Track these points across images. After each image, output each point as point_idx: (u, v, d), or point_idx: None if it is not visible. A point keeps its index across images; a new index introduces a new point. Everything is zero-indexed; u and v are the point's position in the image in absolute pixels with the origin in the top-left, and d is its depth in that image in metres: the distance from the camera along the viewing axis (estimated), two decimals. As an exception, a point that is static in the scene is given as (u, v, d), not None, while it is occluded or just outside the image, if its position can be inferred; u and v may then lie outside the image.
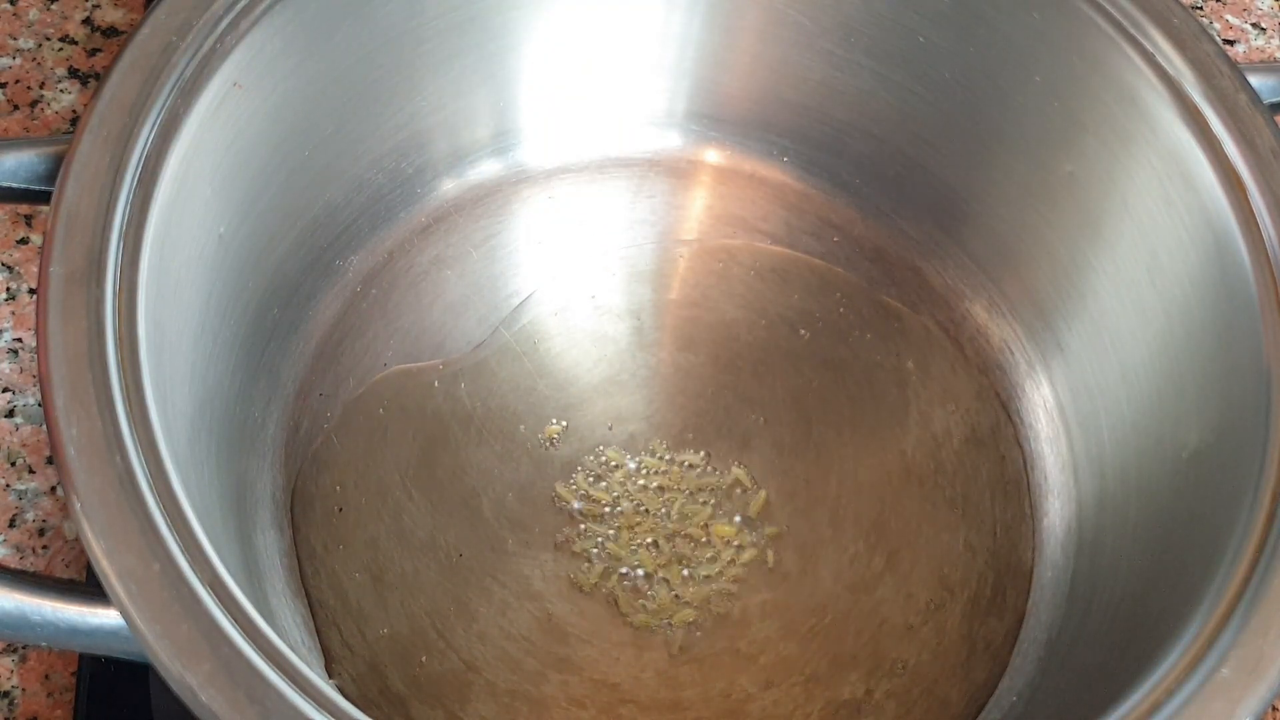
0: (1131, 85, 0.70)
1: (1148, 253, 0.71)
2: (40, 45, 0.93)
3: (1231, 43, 1.03)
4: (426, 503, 0.77)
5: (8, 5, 0.94)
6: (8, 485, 0.79)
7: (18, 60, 0.92)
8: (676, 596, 0.75)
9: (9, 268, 0.85)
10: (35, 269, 0.84)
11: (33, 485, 0.79)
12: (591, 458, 0.79)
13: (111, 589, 0.51)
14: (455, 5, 0.77)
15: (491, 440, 0.79)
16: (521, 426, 0.80)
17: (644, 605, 0.75)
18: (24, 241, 0.86)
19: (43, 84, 0.91)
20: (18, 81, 0.91)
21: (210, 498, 0.68)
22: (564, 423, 0.80)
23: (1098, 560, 0.75)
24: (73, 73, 0.92)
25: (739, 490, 0.79)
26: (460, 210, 0.86)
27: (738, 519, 0.78)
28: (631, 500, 0.78)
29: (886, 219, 0.87)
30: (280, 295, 0.79)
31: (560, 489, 0.78)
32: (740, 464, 0.79)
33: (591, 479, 0.78)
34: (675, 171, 0.89)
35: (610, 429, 0.80)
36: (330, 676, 0.71)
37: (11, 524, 0.77)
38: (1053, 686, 0.72)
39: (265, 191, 0.73)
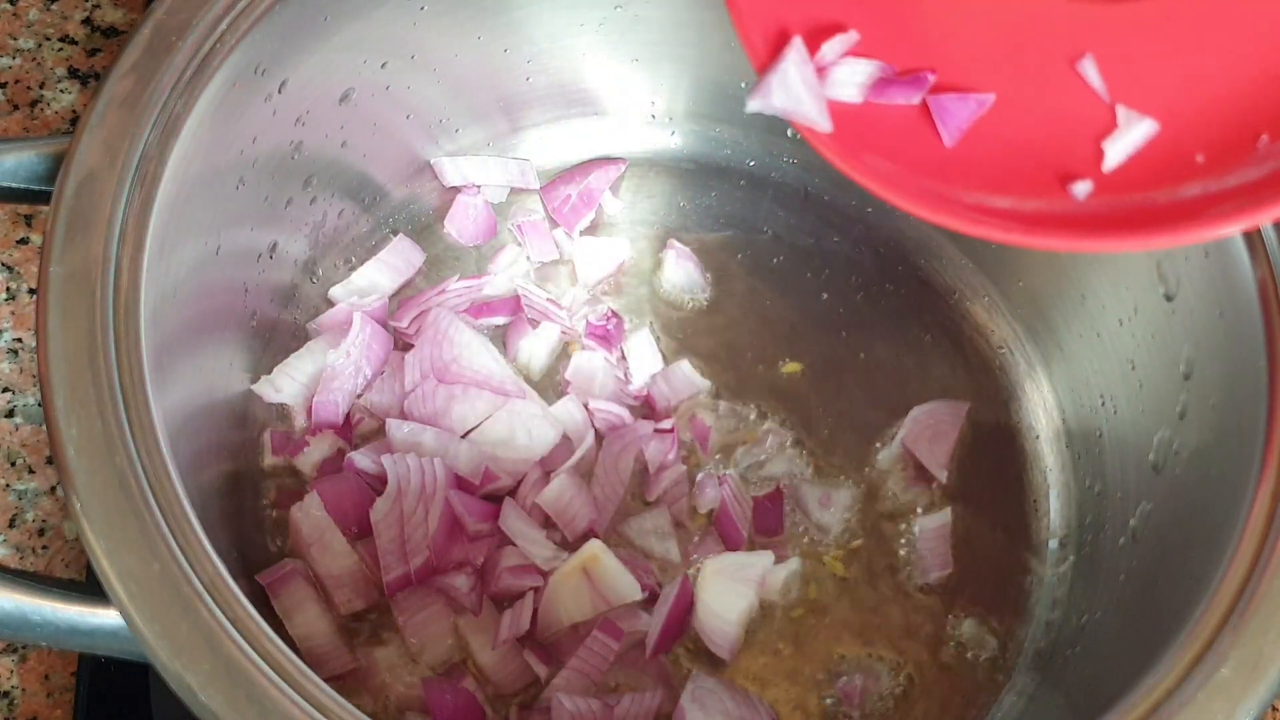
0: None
1: (1148, 253, 0.71)
2: (40, 45, 0.93)
3: (1231, 43, 1.03)
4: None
5: (8, 5, 0.94)
6: (8, 485, 0.79)
7: (18, 60, 0.92)
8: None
9: (9, 268, 0.85)
10: (35, 269, 0.84)
11: (33, 485, 0.79)
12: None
13: (111, 589, 0.52)
14: (456, 5, 0.77)
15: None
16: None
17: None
18: (24, 241, 0.86)
19: (43, 84, 0.91)
20: (18, 81, 0.91)
21: (210, 498, 0.68)
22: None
23: (1097, 561, 0.75)
24: (73, 73, 0.92)
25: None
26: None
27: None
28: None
29: (887, 219, 0.87)
30: (281, 297, 0.79)
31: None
32: (740, 464, 0.80)
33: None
34: (675, 171, 0.89)
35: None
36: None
37: (11, 524, 0.78)
38: (1053, 688, 0.72)
39: (266, 191, 0.73)
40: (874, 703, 0.73)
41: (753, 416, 0.80)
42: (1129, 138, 0.56)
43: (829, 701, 0.73)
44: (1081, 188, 0.56)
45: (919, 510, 0.78)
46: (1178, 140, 0.56)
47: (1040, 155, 0.57)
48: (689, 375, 0.80)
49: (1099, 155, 0.56)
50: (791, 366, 0.82)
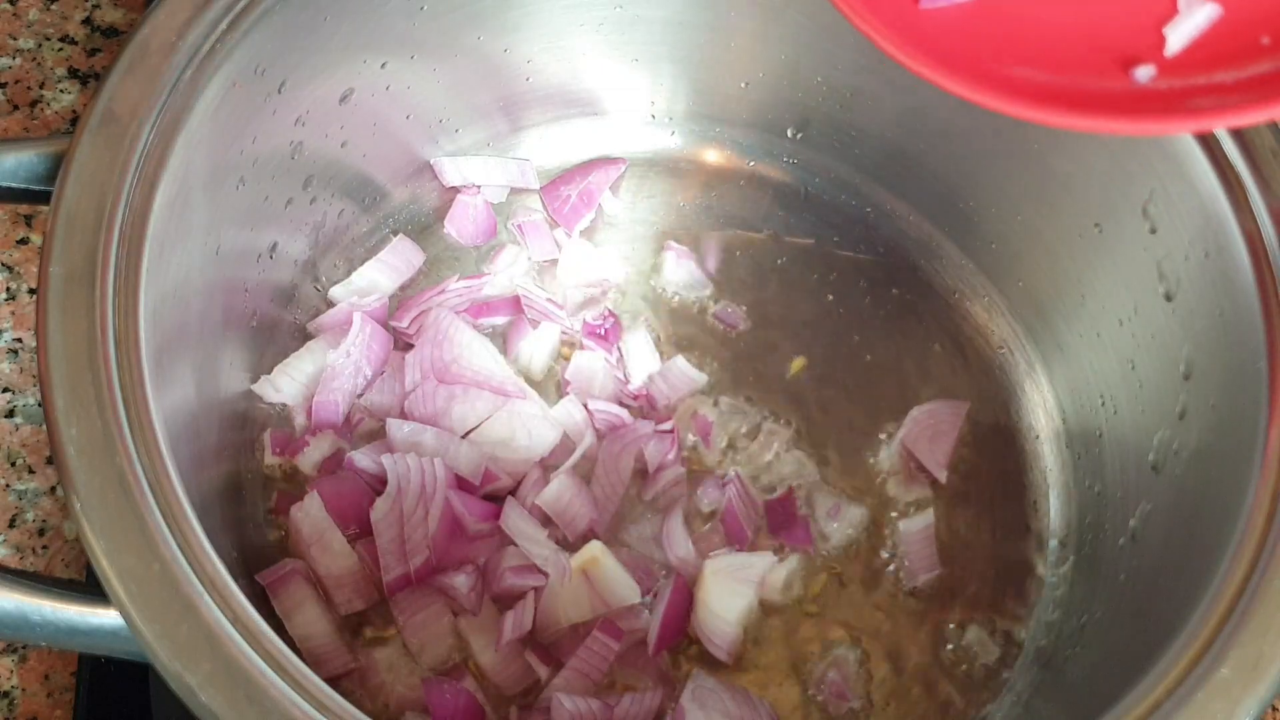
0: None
1: (1147, 253, 0.71)
2: (40, 45, 0.93)
3: (1231, 43, 1.03)
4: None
5: (8, 5, 0.94)
6: (8, 485, 0.79)
7: (18, 60, 0.92)
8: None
9: (9, 268, 0.85)
10: (35, 269, 0.84)
11: (33, 485, 0.79)
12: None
13: (111, 589, 0.52)
14: (455, 5, 0.77)
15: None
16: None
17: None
18: (24, 241, 0.86)
19: (43, 84, 0.91)
20: (18, 81, 0.91)
21: (210, 497, 0.68)
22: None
23: (1097, 561, 0.75)
24: (73, 73, 0.92)
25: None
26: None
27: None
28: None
29: (887, 219, 0.87)
30: (281, 297, 0.79)
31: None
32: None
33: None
34: (675, 171, 0.89)
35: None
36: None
37: (11, 524, 0.78)
38: (1052, 688, 0.72)
39: (266, 191, 0.73)
40: (873, 703, 0.73)
41: (753, 414, 0.80)
42: (1191, 22, 0.55)
43: (828, 702, 0.73)
44: (1144, 72, 0.55)
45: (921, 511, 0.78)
46: (1242, 22, 0.54)
47: (1100, 40, 0.56)
48: (685, 370, 0.80)
49: (1160, 41, 0.55)
50: (796, 366, 0.82)
